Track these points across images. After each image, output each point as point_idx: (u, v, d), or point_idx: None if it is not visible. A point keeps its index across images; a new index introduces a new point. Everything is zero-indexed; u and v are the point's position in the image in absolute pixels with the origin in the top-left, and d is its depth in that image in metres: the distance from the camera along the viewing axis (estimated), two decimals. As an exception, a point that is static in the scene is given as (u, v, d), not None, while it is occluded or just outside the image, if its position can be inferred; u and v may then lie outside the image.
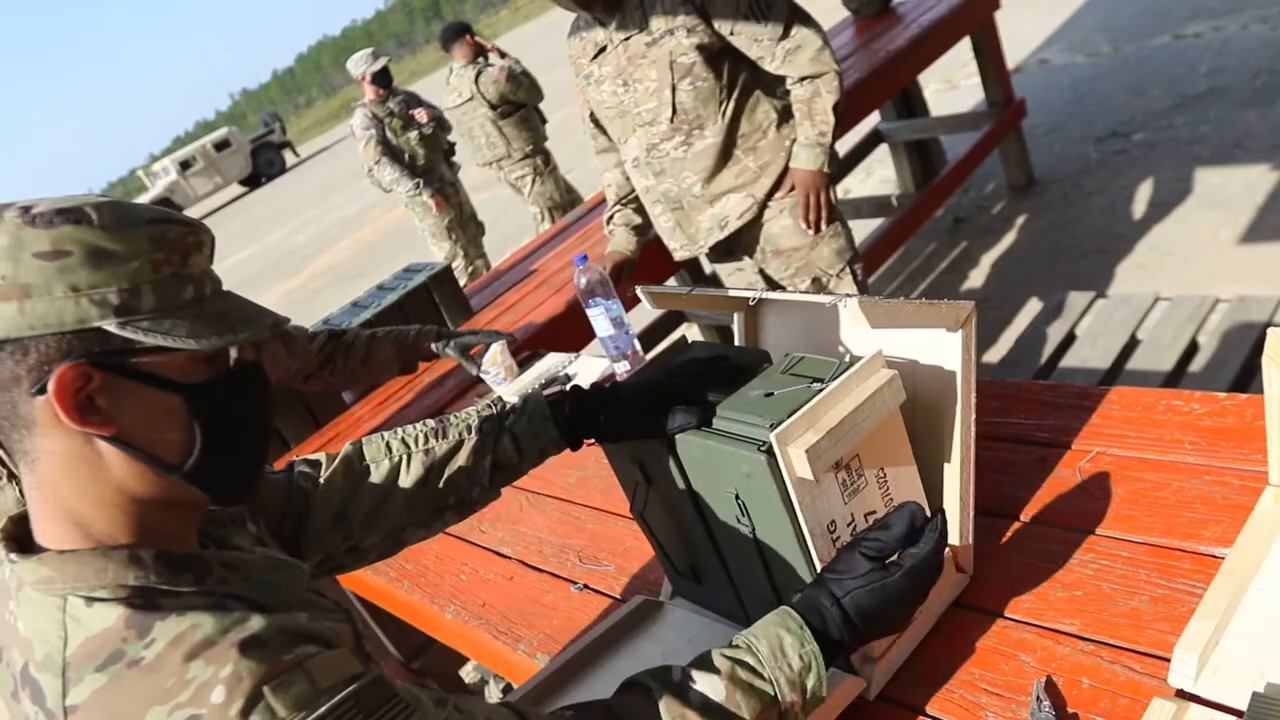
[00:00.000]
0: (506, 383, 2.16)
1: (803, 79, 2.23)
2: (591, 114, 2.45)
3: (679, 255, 2.55)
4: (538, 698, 1.18)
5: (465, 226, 5.61)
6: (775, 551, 1.01)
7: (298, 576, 0.84)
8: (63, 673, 0.68)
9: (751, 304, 1.20)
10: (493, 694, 2.71)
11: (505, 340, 2.16)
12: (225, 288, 0.80)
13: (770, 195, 2.35)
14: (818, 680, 0.86)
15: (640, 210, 2.56)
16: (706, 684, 0.85)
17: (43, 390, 0.70)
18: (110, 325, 0.71)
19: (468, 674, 2.87)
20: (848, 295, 0.99)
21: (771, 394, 1.00)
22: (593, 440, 1.14)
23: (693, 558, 1.18)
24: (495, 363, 2.14)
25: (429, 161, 5.41)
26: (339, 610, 0.83)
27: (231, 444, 0.81)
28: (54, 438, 0.72)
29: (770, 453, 0.92)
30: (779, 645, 0.87)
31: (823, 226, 2.36)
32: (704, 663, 0.87)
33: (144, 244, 0.72)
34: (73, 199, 0.73)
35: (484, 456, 1.12)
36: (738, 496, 1.00)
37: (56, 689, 0.68)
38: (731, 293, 1.17)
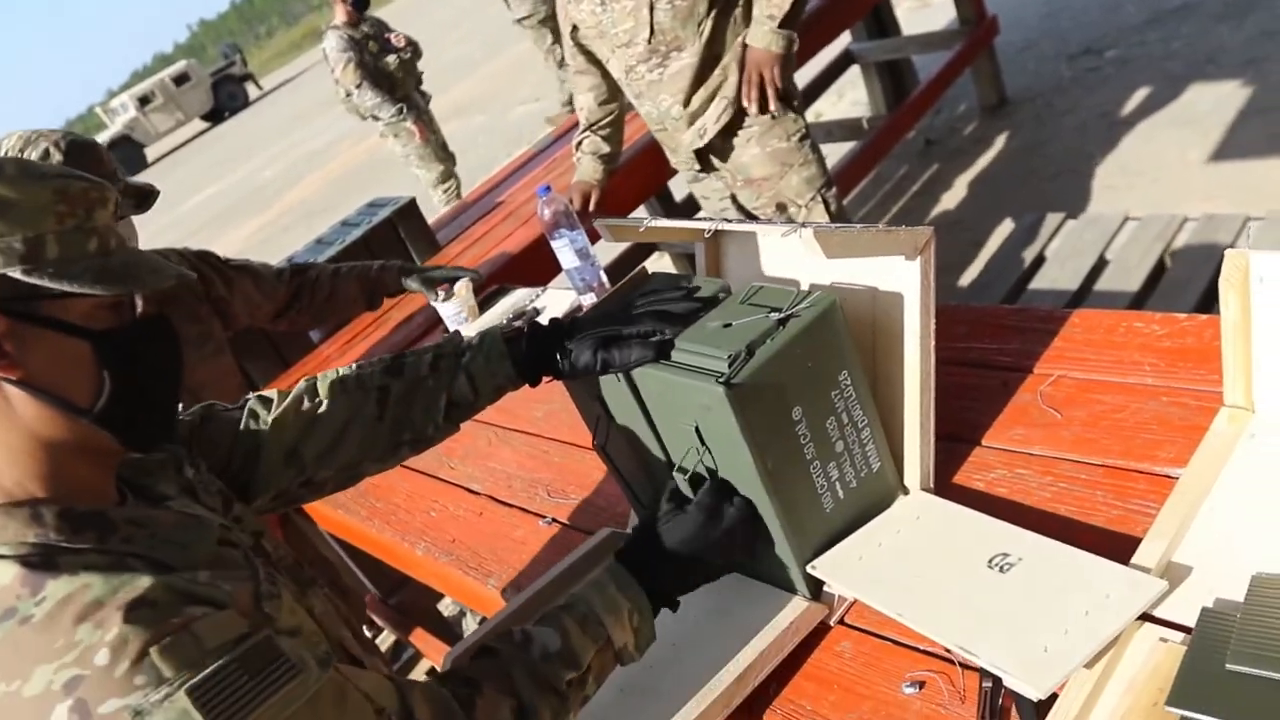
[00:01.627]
0: (466, 322, 2.14)
1: None
2: (573, 32, 2.39)
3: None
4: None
5: (438, 156, 5.54)
6: (735, 483, 1.01)
7: (207, 533, 0.85)
8: None
9: (708, 236, 1.19)
10: (469, 626, 2.76)
11: (471, 276, 2.13)
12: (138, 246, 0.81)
13: (739, 91, 2.29)
14: (643, 620, 0.94)
15: (610, 138, 2.52)
16: (545, 636, 0.90)
17: None
18: (14, 272, 0.72)
19: (446, 608, 2.91)
20: (803, 225, 0.97)
21: (730, 325, 0.99)
22: (551, 377, 1.13)
23: (656, 491, 1.18)
24: (460, 298, 2.11)
25: (404, 88, 5.30)
26: (246, 566, 0.84)
27: (140, 389, 0.82)
28: None
29: (729, 384, 0.92)
30: (605, 592, 0.94)
31: (771, 106, 2.27)
32: (542, 620, 0.93)
33: (47, 196, 0.75)
34: None
35: (439, 394, 1.11)
36: (697, 429, 1.00)
37: None
38: (688, 224, 1.15)
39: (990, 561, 0.93)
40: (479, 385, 1.11)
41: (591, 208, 2.49)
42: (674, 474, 1.08)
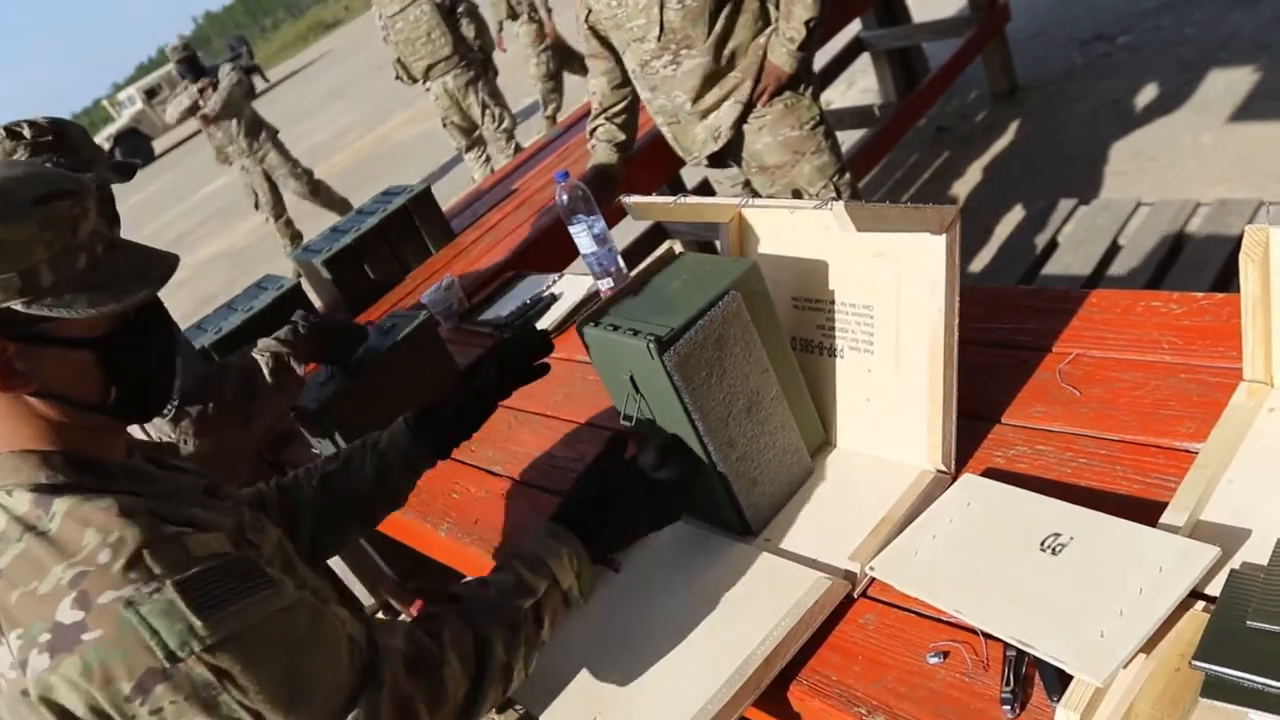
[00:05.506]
0: (456, 312, 2.28)
1: None
2: (588, 16, 2.41)
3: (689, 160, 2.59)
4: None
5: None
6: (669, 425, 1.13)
7: (195, 485, 0.96)
8: None
9: (742, 208, 1.20)
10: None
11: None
12: (123, 234, 0.94)
13: (752, 94, 2.33)
14: (583, 564, 1.06)
15: (625, 125, 2.53)
16: (500, 579, 1.03)
17: None
18: (16, 305, 0.80)
19: (463, 591, 2.93)
20: (833, 200, 0.99)
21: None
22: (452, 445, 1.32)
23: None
24: (450, 290, 2.27)
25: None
26: (233, 510, 0.95)
27: (143, 379, 0.93)
28: None
29: (659, 341, 1.03)
30: (544, 540, 1.06)
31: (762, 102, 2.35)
32: (496, 569, 1.06)
33: (33, 229, 0.81)
34: None
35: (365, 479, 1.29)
36: (632, 378, 1.11)
37: None
38: (717, 202, 1.16)
39: (1043, 544, 0.93)
40: (389, 473, 1.29)
41: (606, 195, 2.50)
42: (621, 421, 1.18)
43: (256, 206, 7.23)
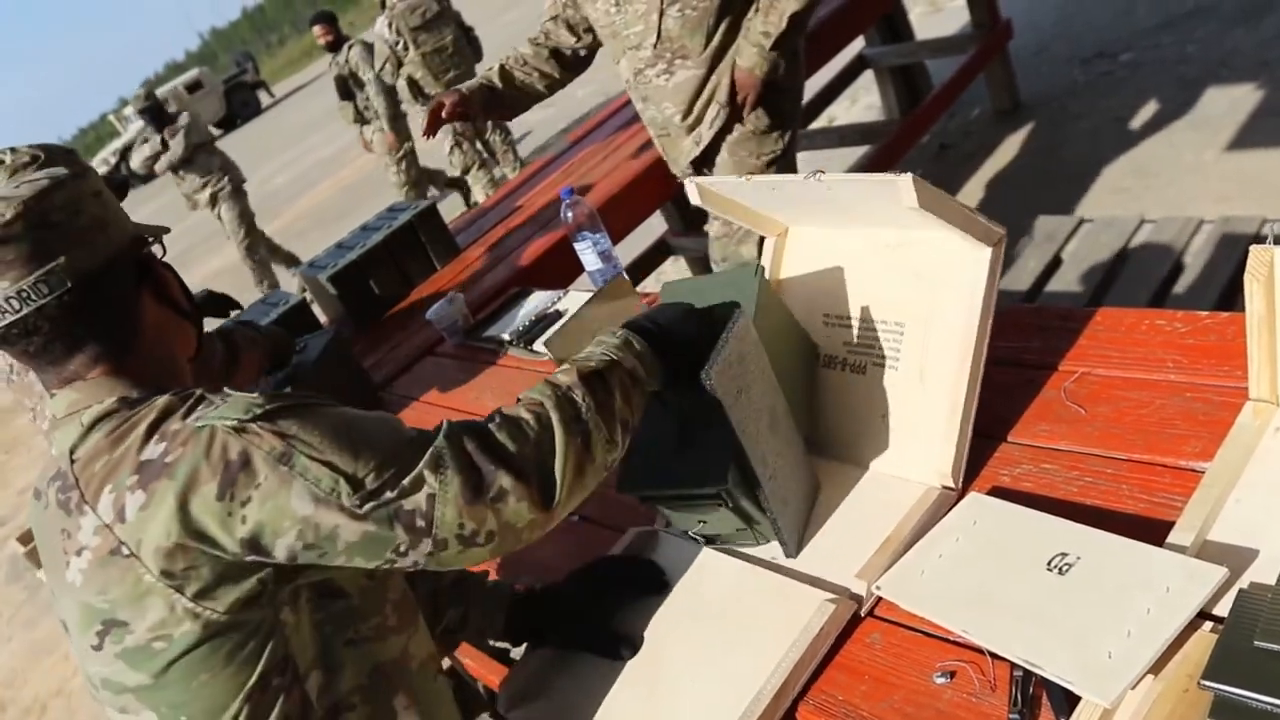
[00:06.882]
0: (461, 328, 2.32)
1: None
2: (560, 14, 2.40)
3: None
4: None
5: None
6: None
7: None
8: (73, 447, 0.92)
9: (819, 179, 1.10)
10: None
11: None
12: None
13: (731, 98, 2.27)
14: (643, 346, 1.05)
15: (514, 73, 2.43)
16: (558, 375, 1.02)
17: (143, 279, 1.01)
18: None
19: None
20: (908, 173, 0.96)
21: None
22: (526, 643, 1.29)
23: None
24: (455, 306, 2.31)
25: None
26: None
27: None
28: (150, 313, 1.01)
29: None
30: (598, 339, 1.07)
31: (747, 114, 2.29)
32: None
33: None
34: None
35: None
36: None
37: (66, 451, 0.92)
38: (792, 179, 1.12)
39: (1049, 564, 0.93)
40: (468, 625, 1.26)
41: (445, 114, 2.33)
42: None
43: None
